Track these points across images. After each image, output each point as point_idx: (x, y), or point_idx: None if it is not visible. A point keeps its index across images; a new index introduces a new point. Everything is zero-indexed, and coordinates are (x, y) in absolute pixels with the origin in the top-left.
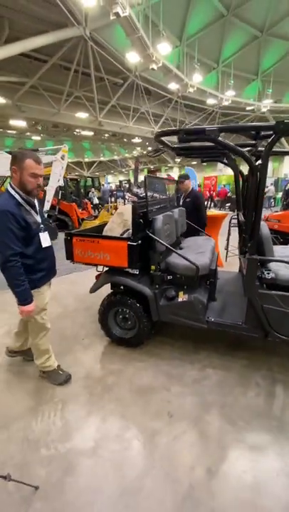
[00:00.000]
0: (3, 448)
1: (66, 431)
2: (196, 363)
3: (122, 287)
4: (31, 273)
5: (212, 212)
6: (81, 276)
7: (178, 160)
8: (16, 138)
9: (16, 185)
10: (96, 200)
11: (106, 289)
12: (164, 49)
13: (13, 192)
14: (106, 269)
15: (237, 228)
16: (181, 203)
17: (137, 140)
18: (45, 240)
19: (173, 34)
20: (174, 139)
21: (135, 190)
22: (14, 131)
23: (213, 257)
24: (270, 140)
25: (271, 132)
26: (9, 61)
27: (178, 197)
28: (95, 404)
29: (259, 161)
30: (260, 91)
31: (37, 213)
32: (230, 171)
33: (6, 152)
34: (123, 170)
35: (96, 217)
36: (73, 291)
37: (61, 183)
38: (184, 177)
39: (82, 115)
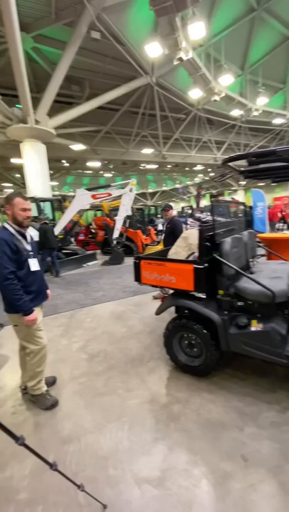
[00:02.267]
0: (76, 459)
1: (133, 454)
2: (274, 404)
3: (186, 311)
4: None
5: (285, 234)
6: (145, 298)
7: (243, 183)
8: (91, 177)
9: (10, 221)
10: (160, 227)
11: (170, 314)
12: (226, 80)
13: (7, 225)
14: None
15: None
16: (164, 228)
17: (198, 167)
18: (33, 264)
19: (235, 65)
20: (241, 162)
21: (197, 215)
22: (90, 171)
23: None
24: None
25: None
26: (88, 114)
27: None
28: (160, 431)
29: None
30: None
31: (27, 242)
32: None
33: (85, 189)
34: (184, 197)
35: (159, 242)
36: (138, 312)
37: (129, 212)
38: (168, 207)
39: (147, 151)
